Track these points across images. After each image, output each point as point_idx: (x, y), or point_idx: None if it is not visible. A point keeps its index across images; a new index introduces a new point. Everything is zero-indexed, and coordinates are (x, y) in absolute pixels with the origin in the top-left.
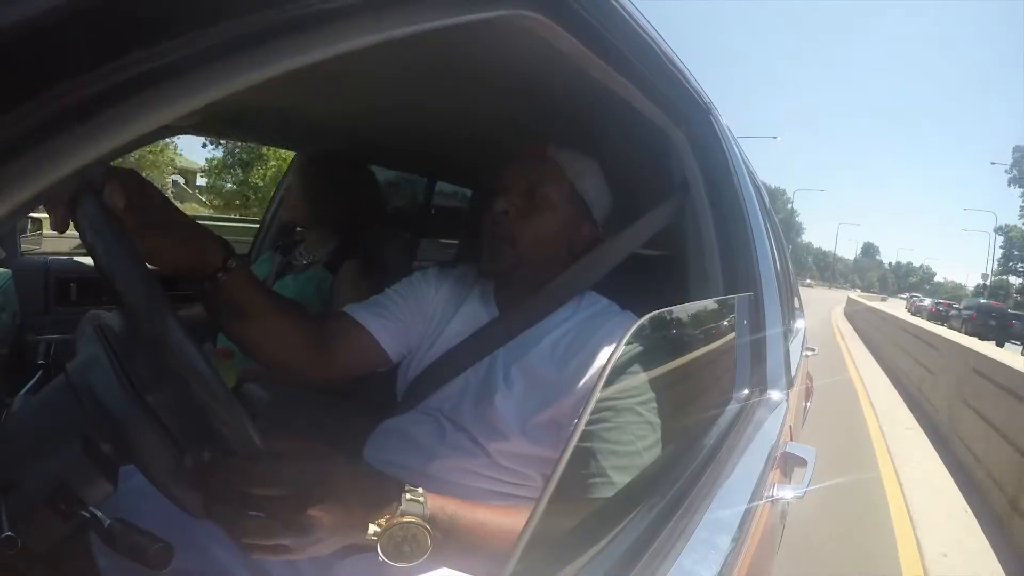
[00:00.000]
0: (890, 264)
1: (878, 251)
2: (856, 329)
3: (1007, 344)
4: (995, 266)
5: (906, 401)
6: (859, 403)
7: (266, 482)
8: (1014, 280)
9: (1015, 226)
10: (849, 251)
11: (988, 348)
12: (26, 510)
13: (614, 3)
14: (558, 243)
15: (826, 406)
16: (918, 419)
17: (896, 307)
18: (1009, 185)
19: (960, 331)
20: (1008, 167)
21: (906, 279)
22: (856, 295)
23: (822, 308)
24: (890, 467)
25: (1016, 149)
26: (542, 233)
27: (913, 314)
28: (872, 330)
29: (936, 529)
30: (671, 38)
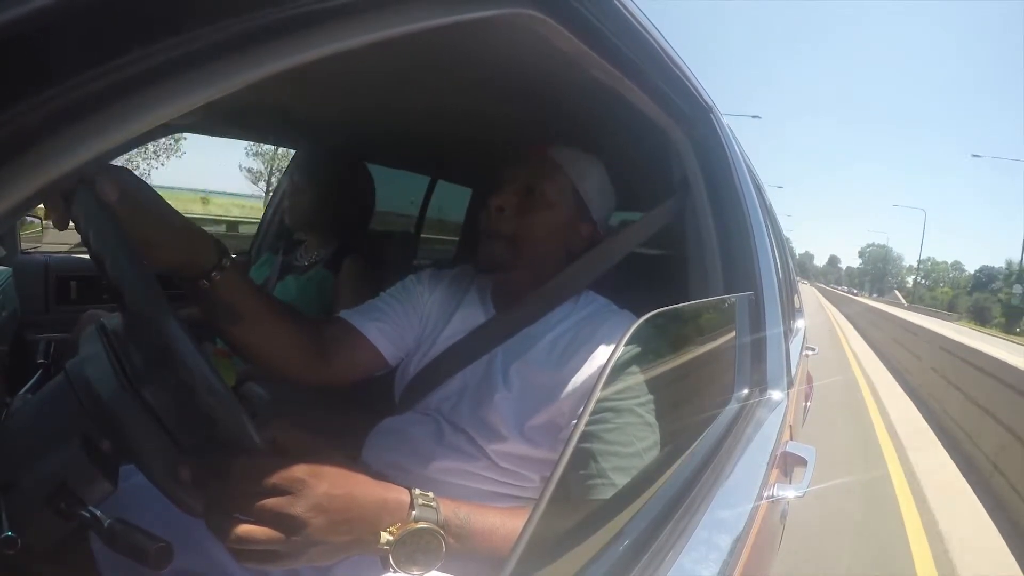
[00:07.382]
0: (847, 268)
1: (840, 260)
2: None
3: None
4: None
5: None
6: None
7: (262, 478)
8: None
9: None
10: (820, 260)
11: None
12: (26, 510)
13: (615, 1)
14: (555, 241)
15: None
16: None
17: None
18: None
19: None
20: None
21: (856, 280)
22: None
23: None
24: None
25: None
26: (539, 230)
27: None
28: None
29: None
30: (672, 37)
